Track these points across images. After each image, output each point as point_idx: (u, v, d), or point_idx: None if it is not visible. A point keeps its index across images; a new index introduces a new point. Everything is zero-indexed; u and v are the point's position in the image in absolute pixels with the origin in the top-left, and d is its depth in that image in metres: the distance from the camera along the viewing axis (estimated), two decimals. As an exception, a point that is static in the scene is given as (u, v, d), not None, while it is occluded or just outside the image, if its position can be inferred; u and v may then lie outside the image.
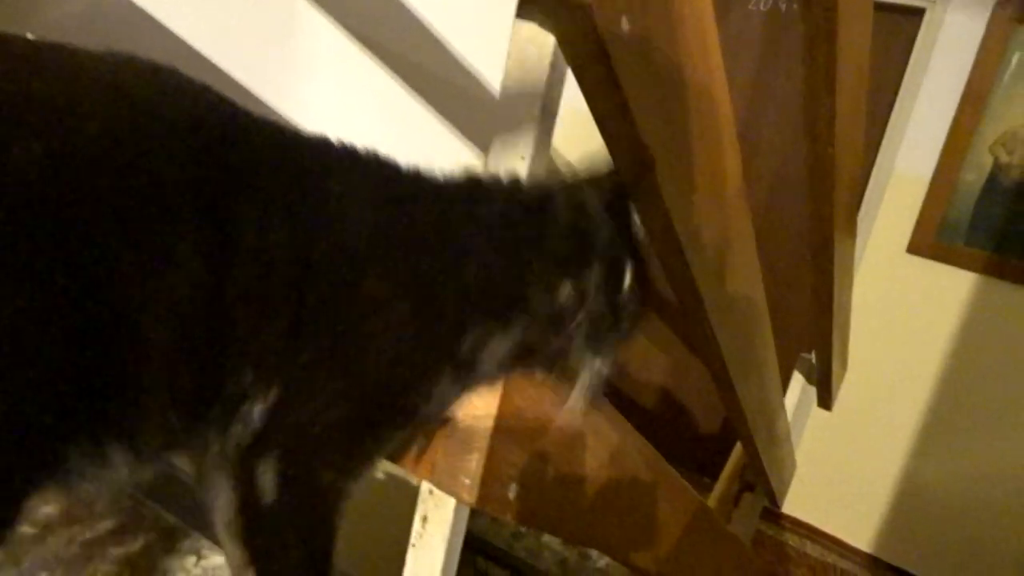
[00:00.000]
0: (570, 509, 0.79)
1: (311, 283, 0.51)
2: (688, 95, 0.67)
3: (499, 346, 0.58)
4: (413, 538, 0.68)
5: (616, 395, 3.22)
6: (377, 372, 0.54)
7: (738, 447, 2.44)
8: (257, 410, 0.51)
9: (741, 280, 1.15)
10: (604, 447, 0.83)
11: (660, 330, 3.11)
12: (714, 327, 1.04)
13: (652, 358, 3.30)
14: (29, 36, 0.44)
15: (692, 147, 0.80)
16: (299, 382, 0.50)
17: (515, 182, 0.65)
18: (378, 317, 0.53)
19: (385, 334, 0.54)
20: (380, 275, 0.52)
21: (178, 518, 0.68)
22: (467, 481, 0.61)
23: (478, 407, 0.61)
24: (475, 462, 0.61)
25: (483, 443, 0.61)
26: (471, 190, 0.62)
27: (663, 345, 3.19)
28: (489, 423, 0.60)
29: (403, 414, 0.58)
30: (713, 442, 3.33)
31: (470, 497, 0.62)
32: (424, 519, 0.67)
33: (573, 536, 0.85)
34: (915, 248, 2.80)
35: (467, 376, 0.60)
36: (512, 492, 0.67)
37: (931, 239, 2.77)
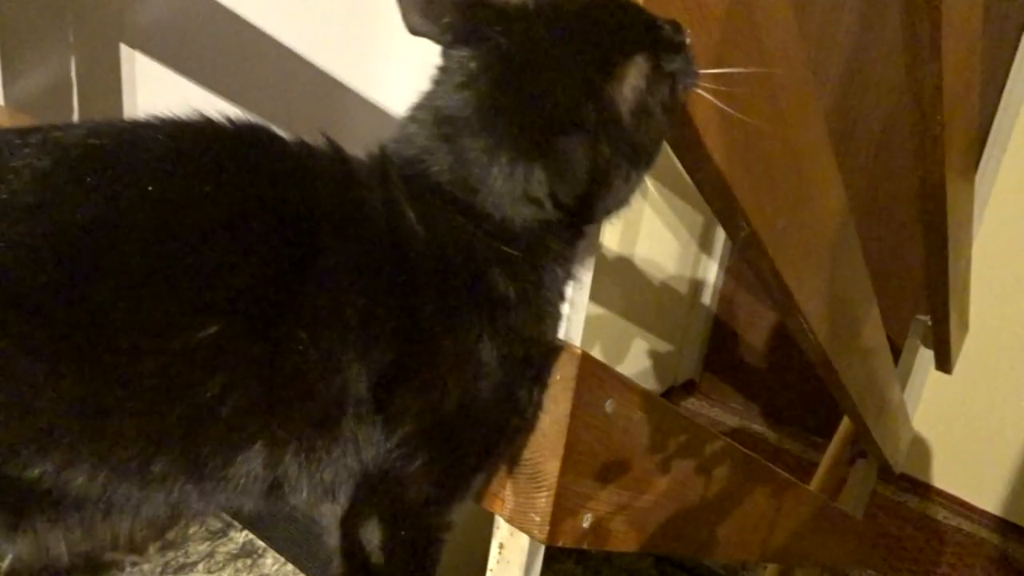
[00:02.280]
0: (654, 527, 0.77)
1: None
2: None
3: None
4: (491, 563, 0.69)
5: (726, 355, 3.11)
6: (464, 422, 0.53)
7: (849, 412, 2.34)
8: (351, 485, 0.51)
9: (838, 262, 1.09)
10: (683, 461, 0.80)
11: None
12: (809, 320, 0.99)
13: (760, 316, 3.19)
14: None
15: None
16: (387, 453, 0.50)
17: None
18: (460, 370, 0.51)
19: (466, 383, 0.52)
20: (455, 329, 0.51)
21: (268, 543, 0.70)
22: (537, 518, 0.61)
23: (543, 445, 0.60)
24: (544, 500, 0.60)
25: (551, 481, 0.60)
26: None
27: (770, 303, 3.08)
28: (556, 463, 0.59)
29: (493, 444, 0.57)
30: (827, 402, 3.20)
31: (541, 534, 0.61)
32: (501, 546, 0.67)
33: (659, 549, 0.84)
34: (1047, 193, 2.55)
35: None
36: (587, 522, 0.66)
37: (1067, 182, 2.51)
